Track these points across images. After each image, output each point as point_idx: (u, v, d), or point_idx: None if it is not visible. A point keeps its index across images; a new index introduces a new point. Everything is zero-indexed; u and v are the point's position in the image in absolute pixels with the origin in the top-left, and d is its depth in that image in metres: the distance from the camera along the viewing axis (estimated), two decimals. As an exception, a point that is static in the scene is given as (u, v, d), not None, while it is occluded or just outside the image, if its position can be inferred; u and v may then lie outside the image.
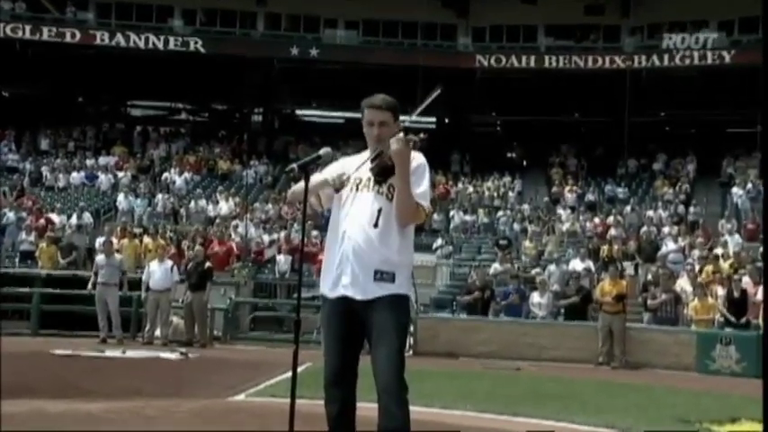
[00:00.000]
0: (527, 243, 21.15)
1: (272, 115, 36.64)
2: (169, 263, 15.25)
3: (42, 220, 21.57)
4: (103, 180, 26.59)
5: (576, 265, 18.23)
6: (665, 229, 21.92)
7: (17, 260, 19.64)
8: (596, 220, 23.99)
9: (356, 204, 3.83)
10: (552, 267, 18.28)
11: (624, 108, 28.30)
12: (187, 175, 27.60)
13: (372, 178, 3.85)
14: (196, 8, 32.23)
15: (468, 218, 24.89)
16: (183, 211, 24.44)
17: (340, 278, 3.79)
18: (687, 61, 28.25)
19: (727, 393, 10.47)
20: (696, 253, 18.95)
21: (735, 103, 28.29)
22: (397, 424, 3.63)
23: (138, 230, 21.08)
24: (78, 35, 29.72)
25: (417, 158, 3.84)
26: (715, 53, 28.10)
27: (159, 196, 25.11)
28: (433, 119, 34.26)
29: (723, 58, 27.87)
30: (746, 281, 15.12)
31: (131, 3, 31.48)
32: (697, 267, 17.29)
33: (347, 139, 31.13)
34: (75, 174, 27.00)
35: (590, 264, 18.47)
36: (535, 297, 16.11)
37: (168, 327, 14.97)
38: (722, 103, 29.33)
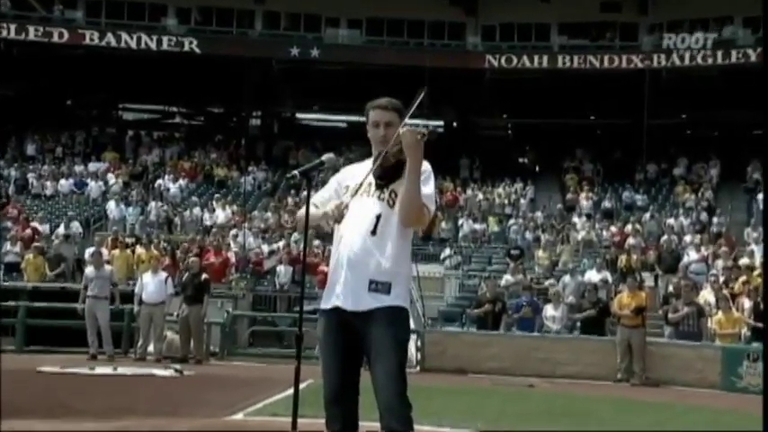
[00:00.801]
0: (540, 253, 21.13)
1: (272, 119, 36.73)
2: (163, 275, 15.26)
3: (28, 230, 21.61)
4: (93, 187, 26.66)
5: (593, 276, 18.21)
6: (687, 238, 21.89)
7: (1, 272, 19.64)
8: (613, 228, 23.96)
9: (356, 210, 3.85)
10: (567, 278, 18.24)
11: (642, 110, 28.30)
12: (182, 181, 27.65)
13: (374, 183, 3.87)
14: (191, 6, 32.34)
15: (477, 226, 24.88)
16: (177, 219, 24.48)
17: (334, 288, 3.81)
18: (710, 60, 28.21)
19: (754, 413, 10.42)
20: (720, 263, 18.91)
21: (761, 103, 28.20)
22: (400, 444, 3.63)
23: (129, 240, 21.08)
24: (66, 35, 29.84)
25: (423, 164, 3.86)
26: (740, 51, 28.09)
27: (152, 204, 25.15)
28: (441, 122, 34.32)
29: (748, 56, 27.83)
30: (775, 292, 15.06)
31: (122, 1, 31.61)
32: (721, 278, 17.26)
33: (350, 143, 31.21)
34: (63, 181, 27.07)
35: (607, 275, 18.45)
36: (549, 310, 16.09)
37: (162, 342, 14.97)
38: (747, 104, 29.28)
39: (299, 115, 38.03)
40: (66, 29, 30.05)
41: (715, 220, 24.14)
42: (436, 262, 22.05)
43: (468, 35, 32.00)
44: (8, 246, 20.20)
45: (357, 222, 3.82)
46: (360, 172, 3.96)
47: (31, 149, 30.31)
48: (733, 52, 28.15)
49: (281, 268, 19.44)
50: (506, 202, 27.21)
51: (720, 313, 15.08)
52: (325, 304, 3.85)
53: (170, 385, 11.33)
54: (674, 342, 15.07)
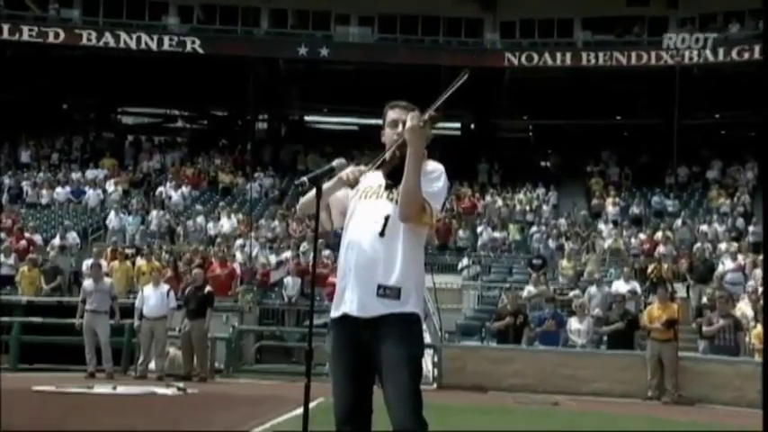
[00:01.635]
0: (564, 262, 21.08)
1: (279, 122, 36.88)
2: (165, 287, 15.29)
3: (23, 241, 21.72)
4: (91, 196, 26.78)
5: (620, 286, 18.14)
6: (722, 246, 21.78)
7: (-5, 286, 19.77)
8: (642, 235, 23.89)
9: (364, 211, 3.86)
10: (593, 289, 18.19)
11: (673, 109, 28.18)
12: (184, 189, 27.75)
13: (383, 185, 3.88)
14: (193, 4, 32.55)
15: (497, 235, 24.84)
16: (180, 229, 24.57)
17: (343, 294, 3.81)
18: (746, 55, 28.11)
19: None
20: (758, 273, 18.80)
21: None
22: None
23: (130, 252, 21.17)
24: (62, 35, 30.03)
25: (435, 164, 3.87)
26: (778, 45, 27.97)
27: (153, 213, 25.25)
28: (458, 124, 34.36)
29: (788, 50, 27.72)
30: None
31: (121, -1, 31.82)
32: (759, 289, 17.15)
33: (362, 147, 31.24)
34: (59, 189, 27.20)
35: (636, 285, 18.38)
36: (573, 323, 16.03)
37: (164, 359, 15.00)
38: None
39: (307, 118, 38.15)
40: (61, 29, 30.24)
41: (751, 228, 23.96)
42: (454, 272, 22.03)
43: (486, 32, 32.02)
44: (2, 258, 20.29)
45: (364, 223, 3.82)
46: (371, 177, 3.96)
47: (25, 156, 30.51)
48: (770, 46, 28.03)
49: (288, 280, 19.46)
50: (528, 208, 27.17)
51: (759, 326, 14.98)
52: (334, 312, 3.85)
53: (172, 405, 11.34)
54: (708, 357, 14.97)
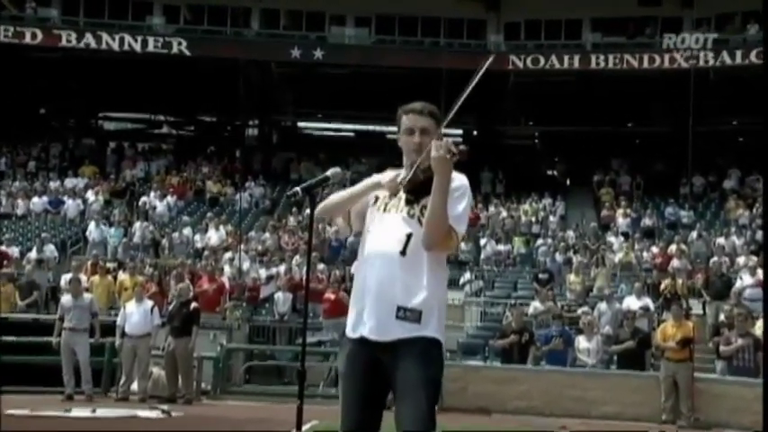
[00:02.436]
0: (572, 277, 21.07)
1: (270, 128, 36.90)
2: (149, 303, 15.26)
3: (-2, 254, 21.71)
4: (70, 206, 26.76)
5: (632, 303, 18.14)
6: (740, 260, 21.77)
7: (-33, 302, 19.73)
8: (655, 249, 23.90)
9: (383, 228, 3.86)
10: (602, 306, 18.19)
11: (687, 115, 28.24)
12: (170, 199, 27.75)
13: (404, 197, 3.88)
14: (180, 4, 32.61)
15: (501, 247, 24.85)
16: (165, 241, 24.53)
17: (361, 315, 3.81)
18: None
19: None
20: (779, 289, 18.82)
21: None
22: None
23: (111, 265, 21.17)
24: (40, 35, 30.05)
25: (459, 178, 3.86)
26: (800, 48, 28.05)
27: (137, 225, 25.24)
28: (460, 131, 34.36)
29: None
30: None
31: (103, -3, 31.88)
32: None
33: (358, 155, 31.33)
34: (36, 199, 27.18)
35: (648, 302, 18.38)
36: (581, 341, 16.01)
37: (147, 379, 14.97)
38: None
39: (300, 124, 38.19)
40: (39, 29, 30.26)
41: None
42: (455, 288, 21.98)
43: (490, 33, 32.12)
44: (-26, 272, 20.27)
45: (385, 241, 3.82)
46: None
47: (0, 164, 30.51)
48: (792, 49, 28.10)
49: (280, 295, 19.47)
50: (533, 219, 27.18)
51: (779, 345, 14.98)
52: (351, 332, 3.85)
53: (156, 428, 11.31)
54: (726, 379, 14.95)
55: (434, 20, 31.97)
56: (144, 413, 12.43)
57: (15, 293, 18.70)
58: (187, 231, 24.73)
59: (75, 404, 13.38)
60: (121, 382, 14.87)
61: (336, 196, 4.02)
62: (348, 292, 19.57)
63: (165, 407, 12.96)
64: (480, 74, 3.92)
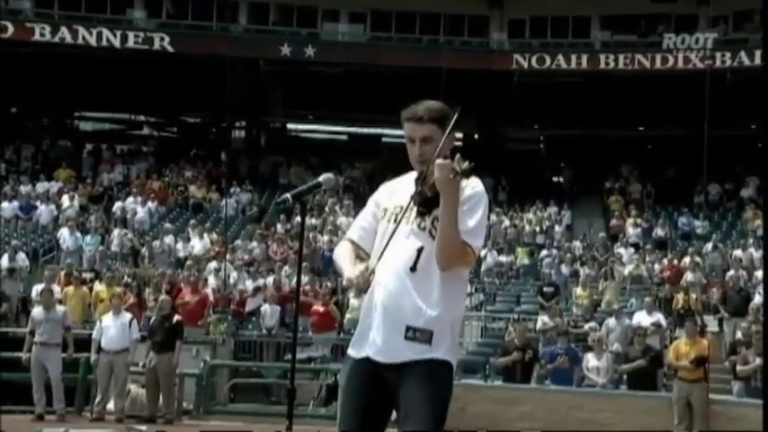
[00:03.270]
0: (578, 291, 21.09)
1: (258, 130, 36.90)
2: (127, 316, 15.22)
3: (-34, 263, 21.67)
4: (43, 212, 26.70)
5: (642, 318, 18.13)
6: (759, 274, 21.78)
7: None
8: (667, 261, 23.92)
9: (393, 241, 3.85)
10: (611, 322, 18.19)
11: (703, 119, 28.32)
12: (150, 205, 27.70)
13: (415, 208, 3.87)
14: (162, -4, 32.63)
15: (503, 259, 24.87)
16: (145, 250, 24.49)
17: (366, 334, 3.81)
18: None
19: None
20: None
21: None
22: None
23: (87, 276, 21.09)
24: (11, 29, 30.03)
25: (472, 184, 3.89)
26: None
27: (115, 232, 25.18)
28: (459, 134, 34.35)
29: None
30: None
31: (80, -11, 31.87)
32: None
33: (352, 159, 31.32)
34: (6, 204, 27.11)
35: (660, 317, 18.38)
36: (591, 359, 16.00)
37: (125, 398, 14.92)
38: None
39: (290, 126, 38.21)
40: (10, 22, 30.23)
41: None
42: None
43: (493, 31, 32.16)
44: (-61, 282, 20.25)
45: (394, 256, 3.81)
46: (401, 192, 3.95)
47: (-32, 167, 30.47)
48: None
49: (267, 308, 19.43)
50: (538, 229, 27.20)
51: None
52: (355, 351, 3.86)
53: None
54: (743, 401, 14.93)
55: (433, 16, 32.02)
56: (121, 434, 12.41)
57: (-17, 305, 18.69)
58: (169, 240, 24.68)
59: (46, 424, 13.35)
60: (97, 400, 14.82)
61: (339, 260, 4.01)
62: (338, 305, 19.63)
63: (144, 427, 12.95)
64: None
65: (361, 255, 3.94)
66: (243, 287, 20.84)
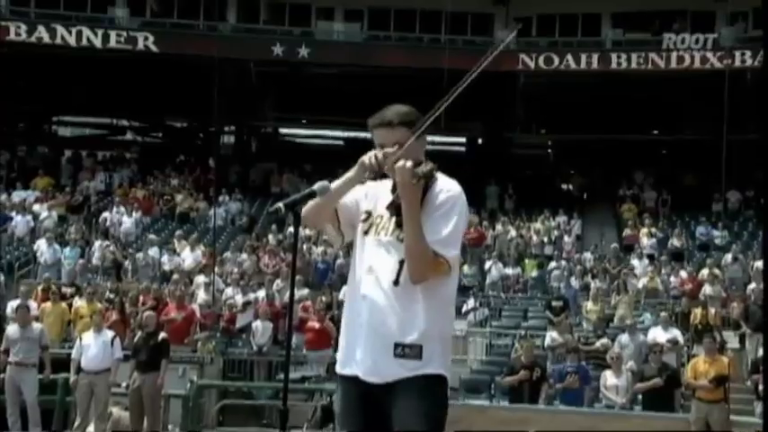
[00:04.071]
0: (589, 305, 21.09)
1: (248, 135, 36.95)
2: (109, 334, 15.19)
3: (-64, 278, 21.68)
4: (19, 223, 26.69)
5: (658, 334, 18.16)
6: (780, 286, 21.83)
7: None
8: (684, 273, 23.93)
9: (373, 253, 3.88)
10: (624, 338, 18.18)
11: (721, 122, 28.35)
12: (135, 215, 27.72)
13: (394, 219, 3.89)
14: (146, -7, 32.68)
15: (509, 271, 24.88)
16: (128, 263, 24.50)
17: (353, 351, 3.84)
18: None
19: None
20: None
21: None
22: None
23: (67, 291, 21.07)
24: (-15, 29, 30.06)
25: (447, 187, 3.88)
26: None
27: (96, 244, 25.20)
28: (463, 139, 34.47)
29: None
30: None
31: (58, -15, 31.90)
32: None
33: (348, 166, 31.24)
34: (-20, 214, 27.18)
35: (676, 333, 18.39)
36: (609, 378, 16.01)
37: (106, 421, 14.89)
38: None
39: (282, 130, 38.29)
40: (-16, 21, 30.28)
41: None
42: (457, 316, 21.96)
43: (497, 29, 32.19)
44: None
45: (375, 269, 3.84)
46: (381, 196, 3.98)
47: (-61, 175, 30.51)
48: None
49: (258, 325, 19.43)
50: (546, 240, 27.21)
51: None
52: (343, 369, 3.90)
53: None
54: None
55: (435, 14, 32.04)
56: (102, 459, 12.38)
57: (-44, 323, 18.65)
58: (153, 252, 24.68)
59: (22, 449, 13.32)
60: (76, 424, 14.78)
61: (314, 205, 4.02)
62: (334, 320, 19.61)
63: (127, 452, 12.91)
64: (511, 38, 3.92)
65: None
66: (232, 302, 20.83)
